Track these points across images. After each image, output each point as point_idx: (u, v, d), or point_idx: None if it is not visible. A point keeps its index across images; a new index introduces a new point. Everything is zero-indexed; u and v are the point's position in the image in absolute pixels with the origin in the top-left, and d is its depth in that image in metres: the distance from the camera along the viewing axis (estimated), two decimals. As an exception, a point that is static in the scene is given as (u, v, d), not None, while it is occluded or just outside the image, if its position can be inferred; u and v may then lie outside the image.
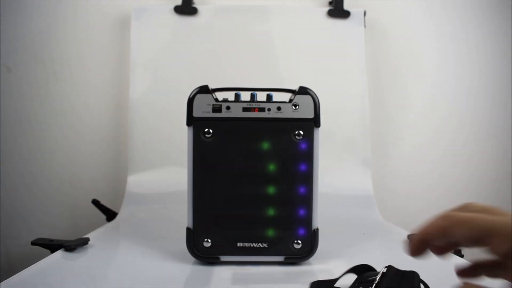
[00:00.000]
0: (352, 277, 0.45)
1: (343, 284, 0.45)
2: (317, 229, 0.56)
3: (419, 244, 0.34)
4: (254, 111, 0.56)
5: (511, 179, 1.08)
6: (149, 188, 0.96)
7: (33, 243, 0.62)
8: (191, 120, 0.55)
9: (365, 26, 1.04)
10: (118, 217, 0.89)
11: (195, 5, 1.02)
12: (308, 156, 0.56)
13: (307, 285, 0.46)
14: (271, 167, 0.56)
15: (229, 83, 0.59)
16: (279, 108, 0.56)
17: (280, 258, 0.56)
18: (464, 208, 0.34)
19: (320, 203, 0.56)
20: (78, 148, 1.05)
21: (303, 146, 0.56)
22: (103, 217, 0.93)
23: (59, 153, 1.05)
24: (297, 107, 0.56)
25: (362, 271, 0.45)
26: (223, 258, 0.57)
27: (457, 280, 0.35)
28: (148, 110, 1.00)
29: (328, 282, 0.46)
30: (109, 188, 1.05)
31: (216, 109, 0.55)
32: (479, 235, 0.31)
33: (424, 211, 1.07)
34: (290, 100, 0.56)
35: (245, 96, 0.57)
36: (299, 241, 0.56)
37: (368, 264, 0.46)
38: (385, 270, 0.41)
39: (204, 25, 1.02)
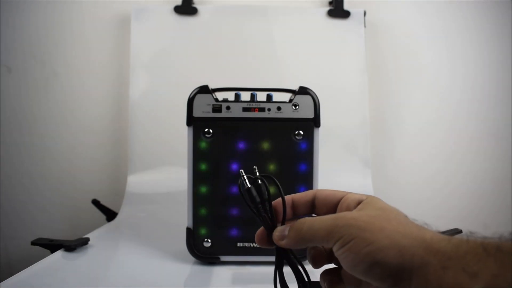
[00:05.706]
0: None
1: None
2: (317, 229, 0.56)
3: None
4: (254, 111, 0.56)
5: (511, 174, 1.08)
6: (149, 188, 0.96)
7: (33, 243, 0.62)
8: (191, 120, 0.55)
9: (365, 26, 1.04)
10: (118, 217, 0.89)
11: (195, 5, 1.02)
12: (308, 156, 0.56)
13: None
14: (271, 167, 0.56)
15: (229, 83, 0.59)
16: (279, 108, 0.56)
17: (280, 258, 0.56)
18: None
19: (320, 203, 0.56)
20: (78, 148, 1.05)
21: (303, 146, 0.56)
22: (103, 217, 0.93)
23: (59, 153, 1.05)
24: (297, 107, 0.56)
25: None
26: (223, 258, 0.57)
27: None
28: (148, 110, 1.00)
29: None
30: (109, 188, 1.05)
31: (216, 109, 0.55)
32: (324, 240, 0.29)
33: (424, 212, 1.07)
34: (290, 100, 0.56)
35: (245, 96, 0.57)
36: (299, 241, 0.56)
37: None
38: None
39: (204, 25, 1.02)
